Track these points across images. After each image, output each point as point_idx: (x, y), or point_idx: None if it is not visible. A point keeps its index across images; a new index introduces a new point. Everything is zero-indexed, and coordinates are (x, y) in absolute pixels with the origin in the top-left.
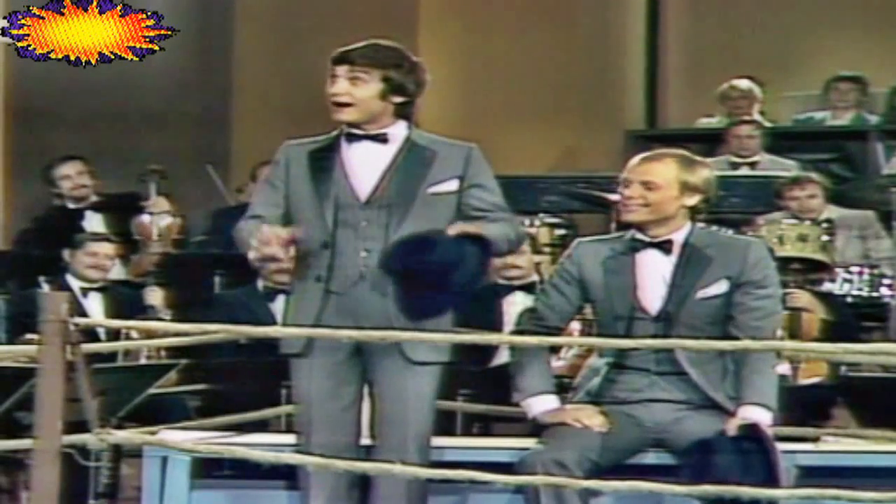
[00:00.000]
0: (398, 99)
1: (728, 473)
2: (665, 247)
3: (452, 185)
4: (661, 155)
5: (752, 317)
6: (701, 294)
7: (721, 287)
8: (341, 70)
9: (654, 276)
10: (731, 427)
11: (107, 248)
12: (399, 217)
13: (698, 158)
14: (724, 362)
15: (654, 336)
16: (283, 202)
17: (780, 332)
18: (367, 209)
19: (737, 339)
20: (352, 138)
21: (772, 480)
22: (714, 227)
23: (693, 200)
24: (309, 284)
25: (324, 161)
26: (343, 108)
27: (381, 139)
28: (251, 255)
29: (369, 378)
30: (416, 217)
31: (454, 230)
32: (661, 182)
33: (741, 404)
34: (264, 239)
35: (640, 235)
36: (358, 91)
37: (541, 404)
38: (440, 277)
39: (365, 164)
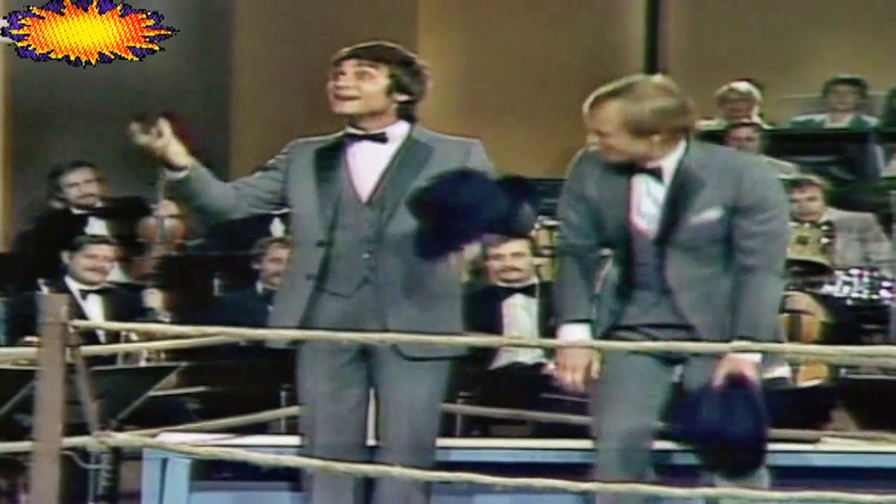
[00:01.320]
0: (402, 97)
1: (712, 427)
2: (656, 173)
3: None
4: (603, 98)
5: (756, 242)
6: (695, 220)
7: (715, 213)
8: (348, 65)
9: (646, 201)
10: (718, 377)
11: (106, 251)
12: (391, 215)
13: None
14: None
15: (655, 257)
16: (270, 189)
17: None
18: (367, 210)
19: (745, 266)
20: (353, 138)
21: (756, 431)
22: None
23: (656, 138)
24: (298, 281)
25: (330, 160)
26: (347, 101)
27: (381, 139)
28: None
29: (374, 381)
30: (408, 215)
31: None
32: (610, 129)
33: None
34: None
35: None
36: (365, 85)
37: (567, 332)
38: (467, 215)
39: (367, 164)
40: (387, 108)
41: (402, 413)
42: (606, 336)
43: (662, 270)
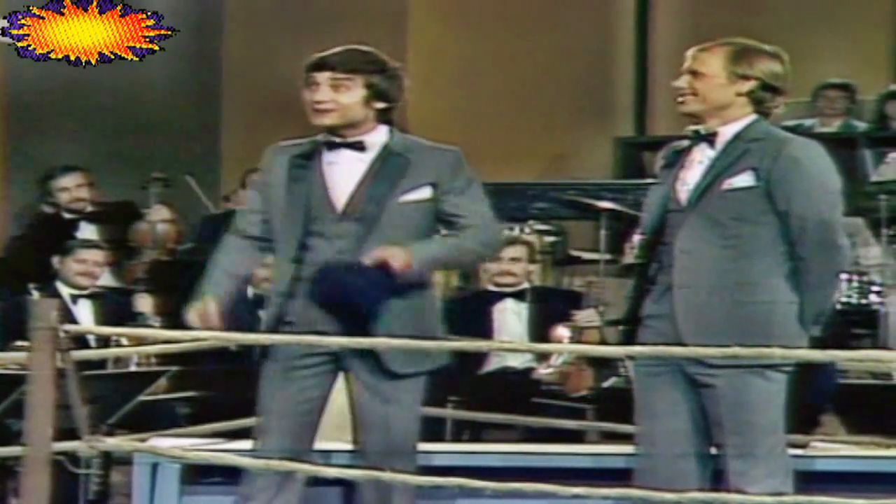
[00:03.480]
0: (380, 105)
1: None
2: (711, 140)
3: (425, 193)
4: (715, 45)
5: (795, 226)
6: (727, 185)
7: (748, 180)
8: (322, 77)
9: (696, 169)
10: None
11: (96, 255)
12: (370, 228)
13: (763, 48)
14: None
15: (680, 225)
16: (263, 209)
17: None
18: (341, 221)
19: (799, 231)
20: (330, 146)
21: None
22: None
23: (746, 87)
24: (278, 297)
25: (302, 169)
26: (325, 113)
27: (359, 147)
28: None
29: (350, 387)
30: (387, 227)
31: (378, 254)
32: (707, 71)
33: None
34: (199, 318)
35: (695, 127)
36: (342, 97)
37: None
38: (356, 306)
39: (342, 174)
40: (366, 117)
41: (380, 425)
42: (625, 328)
43: (677, 240)
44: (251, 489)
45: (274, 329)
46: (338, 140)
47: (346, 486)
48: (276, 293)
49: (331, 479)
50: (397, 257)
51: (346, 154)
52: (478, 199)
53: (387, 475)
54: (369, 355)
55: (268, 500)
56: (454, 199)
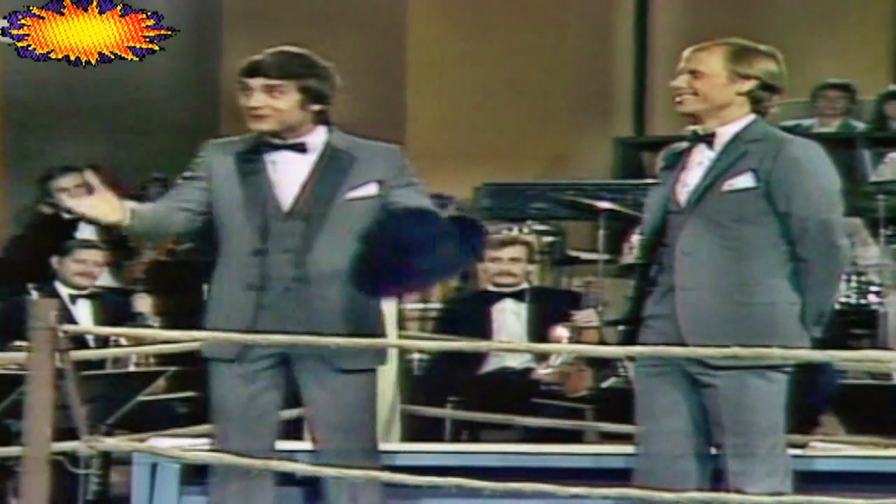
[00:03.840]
0: (316, 107)
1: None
2: (710, 141)
3: (371, 190)
4: (712, 44)
5: (796, 226)
6: (727, 186)
7: (748, 181)
8: (255, 82)
9: (695, 171)
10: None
11: (95, 255)
12: (317, 226)
13: (759, 48)
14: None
15: (681, 226)
16: (201, 201)
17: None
18: (288, 221)
19: (800, 231)
20: (271, 147)
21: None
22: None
23: (745, 87)
24: (238, 292)
25: (251, 164)
26: (262, 119)
27: (300, 148)
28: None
29: (300, 386)
30: (333, 225)
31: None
32: (706, 69)
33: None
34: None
35: (694, 127)
36: (277, 102)
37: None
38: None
39: (286, 175)
40: (303, 120)
41: (331, 422)
42: (625, 328)
43: (678, 242)
44: (223, 494)
45: (254, 323)
46: (277, 141)
47: (310, 486)
48: (245, 287)
49: (297, 479)
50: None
51: (287, 154)
52: (422, 195)
53: (385, 475)
54: (316, 352)
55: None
56: (398, 196)
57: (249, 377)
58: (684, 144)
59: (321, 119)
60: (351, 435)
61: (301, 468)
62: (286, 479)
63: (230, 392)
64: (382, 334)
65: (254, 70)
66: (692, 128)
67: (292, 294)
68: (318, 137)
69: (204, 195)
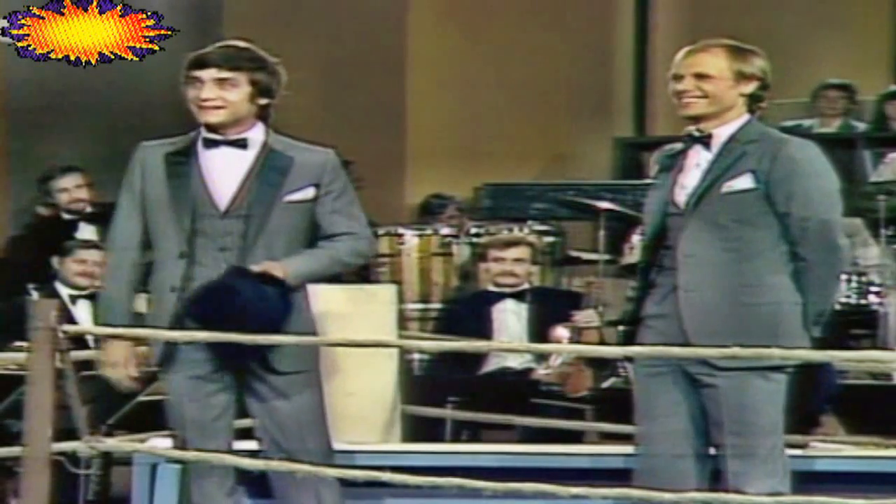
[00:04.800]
0: (263, 101)
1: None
2: (707, 142)
3: (309, 193)
4: (709, 45)
5: (795, 227)
6: (727, 188)
7: (747, 182)
8: (206, 74)
9: (693, 172)
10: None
11: (96, 256)
12: (257, 227)
13: (748, 46)
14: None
15: (681, 228)
16: (139, 211)
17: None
18: (226, 219)
19: (800, 231)
20: (209, 144)
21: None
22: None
23: (749, 88)
24: (164, 294)
25: (180, 166)
26: (213, 111)
27: (241, 144)
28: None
29: (243, 388)
30: (273, 226)
31: (257, 269)
32: (714, 71)
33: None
34: (112, 361)
35: (690, 128)
36: (228, 94)
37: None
38: (242, 321)
39: (223, 172)
40: (249, 113)
41: (283, 423)
42: (626, 329)
43: (680, 244)
44: (200, 497)
45: (177, 327)
46: (218, 138)
47: (258, 486)
48: (169, 289)
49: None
50: (276, 269)
51: (226, 151)
52: (353, 203)
53: (385, 476)
54: (258, 357)
55: None
56: (332, 203)
57: (201, 380)
58: (678, 146)
59: (264, 115)
60: (307, 435)
61: (300, 468)
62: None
63: (182, 397)
64: (313, 333)
65: (204, 62)
66: (690, 128)
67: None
68: (258, 135)
69: (140, 211)
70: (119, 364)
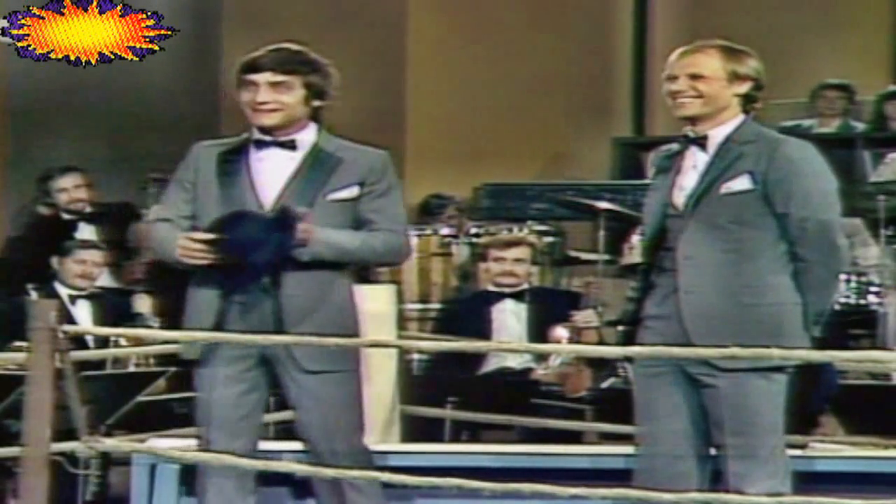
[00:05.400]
0: (317, 103)
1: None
2: (703, 144)
3: (352, 192)
4: (703, 46)
5: (794, 228)
6: (725, 189)
7: (745, 183)
8: (261, 77)
9: (690, 174)
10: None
11: (95, 256)
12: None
13: (741, 47)
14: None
15: (680, 230)
16: (190, 204)
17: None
18: None
19: (799, 231)
20: (260, 145)
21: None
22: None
23: (743, 88)
24: (210, 292)
25: (232, 165)
26: (268, 114)
27: (290, 146)
28: (175, 257)
29: (279, 386)
30: (315, 224)
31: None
32: (708, 72)
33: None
34: (188, 250)
35: (686, 129)
36: (283, 97)
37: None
38: (241, 253)
39: (271, 173)
40: (304, 115)
41: (312, 422)
42: (626, 329)
43: (679, 246)
44: (220, 499)
45: (220, 327)
46: (268, 139)
47: (298, 486)
48: (217, 287)
49: (282, 478)
50: (308, 229)
51: (276, 152)
52: (396, 205)
53: (385, 476)
54: (289, 354)
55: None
56: (374, 202)
57: (233, 379)
58: (675, 147)
59: (316, 117)
60: (336, 436)
61: (300, 469)
62: (278, 480)
63: (214, 393)
64: (356, 335)
65: (258, 66)
66: (686, 129)
67: (267, 296)
68: (308, 136)
69: (190, 201)
70: None
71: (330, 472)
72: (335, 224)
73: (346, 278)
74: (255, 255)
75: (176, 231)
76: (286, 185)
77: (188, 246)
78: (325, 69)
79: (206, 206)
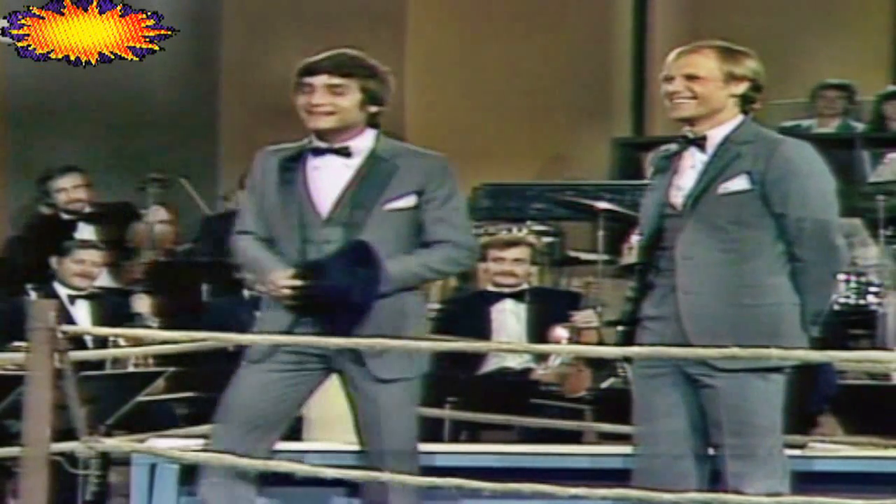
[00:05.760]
0: (374, 109)
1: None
2: (701, 144)
3: (410, 201)
4: (700, 47)
5: (792, 228)
6: (723, 189)
7: (743, 183)
8: (318, 80)
9: (688, 174)
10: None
11: (94, 256)
12: (357, 235)
13: (740, 48)
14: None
15: (677, 233)
16: (262, 214)
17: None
18: (327, 227)
19: (797, 232)
20: (317, 151)
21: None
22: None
23: (740, 89)
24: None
25: (290, 173)
26: (324, 116)
27: (345, 153)
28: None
29: (345, 389)
30: (371, 234)
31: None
32: (704, 73)
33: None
34: (276, 291)
35: (685, 130)
36: (340, 101)
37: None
38: (334, 301)
39: (327, 180)
40: (359, 120)
41: (377, 428)
42: (624, 330)
43: (678, 246)
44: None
45: (293, 328)
46: (324, 145)
47: (350, 486)
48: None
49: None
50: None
51: (332, 160)
52: (457, 212)
53: (386, 476)
54: (357, 359)
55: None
56: (435, 211)
57: (277, 380)
58: (673, 147)
59: (373, 122)
60: (387, 440)
61: (299, 469)
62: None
63: (254, 390)
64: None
65: (315, 69)
66: (685, 130)
67: None
68: (364, 142)
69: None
70: None
71: (331, 472)
72: (393, 234)
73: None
74: (351, 300)
75: (263, 251)
76: (342, 194)
77: (275, 289)
78: (382, 75)
79: (272, 215)
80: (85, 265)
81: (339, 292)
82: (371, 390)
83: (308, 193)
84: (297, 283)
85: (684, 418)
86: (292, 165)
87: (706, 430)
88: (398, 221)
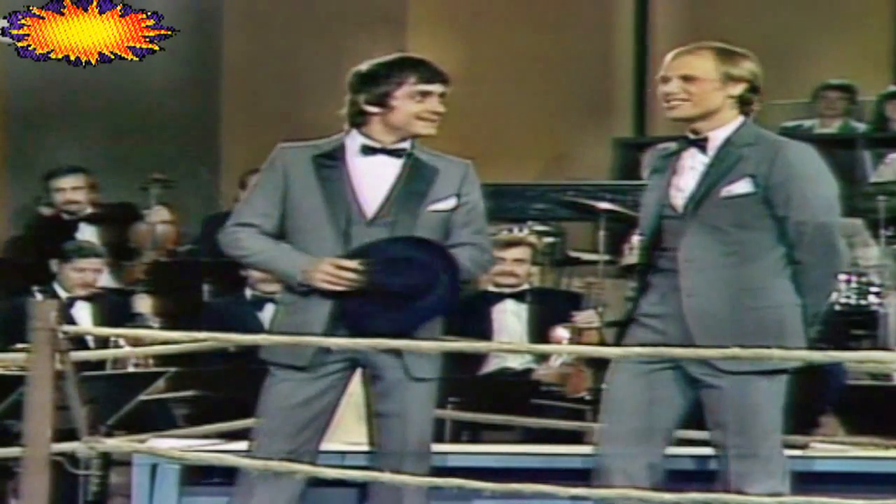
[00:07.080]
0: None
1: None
2: (702, 145)
3: (451, 203)
4: (697, 48)
5: (793, 230)
6: (725, 192)
7: (746, 186)
8: (437, 88)
9: (688, 175)
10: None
11: (94, 264)
12: (397, 234)
13: (738, 49)
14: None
15: (679, 236)
16: (278, 209)
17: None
18: (371, 227)
19: (798, 235)
20: (367, 151)
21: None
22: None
23: (737, 90)
24: (314, 299)
25: (331, 170)
26: (433, 124)
27: (397, 154)
28: (296, 278)
29: (367, 386)
30: (412, 234)
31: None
32: (700, 73)
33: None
34: (333, 277)
35: (690, 133)
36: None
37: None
38: (411, 299)
39: (372, 180)
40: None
41: (402, 426)
42: (622, 328)
43: (680, 249)
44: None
45: (332, 330)
46: (376, 146)
47: (361, 486)
48: (324, 293)
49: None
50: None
51: (378, 160)
52: (482, 217)
53: (386, 476)
54: (391, 357)
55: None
56: (466, 215)
57: (315, 381)
58: (672, 147)
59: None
60: (409, 440)
61: (300, 468)
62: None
63: (293, 392)
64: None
65: (435, 77)
66: (688, 131)
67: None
68: (406, 144)
69: (280, 201)
70: None
71: (331, 472)
72: (433, 234)
73: None
74: (426, 299)
75: (278, 244)
76: (388, 195)
77: (334, 273)
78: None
79: (308, 214)
80: (85, 273)
81: (416, 289)
82: (402, 387)
83: (353, 192)
84: (356, 265)
85: (646, 417)
86: (331, 163)
87: (671, 431)
88: (438, 222)
